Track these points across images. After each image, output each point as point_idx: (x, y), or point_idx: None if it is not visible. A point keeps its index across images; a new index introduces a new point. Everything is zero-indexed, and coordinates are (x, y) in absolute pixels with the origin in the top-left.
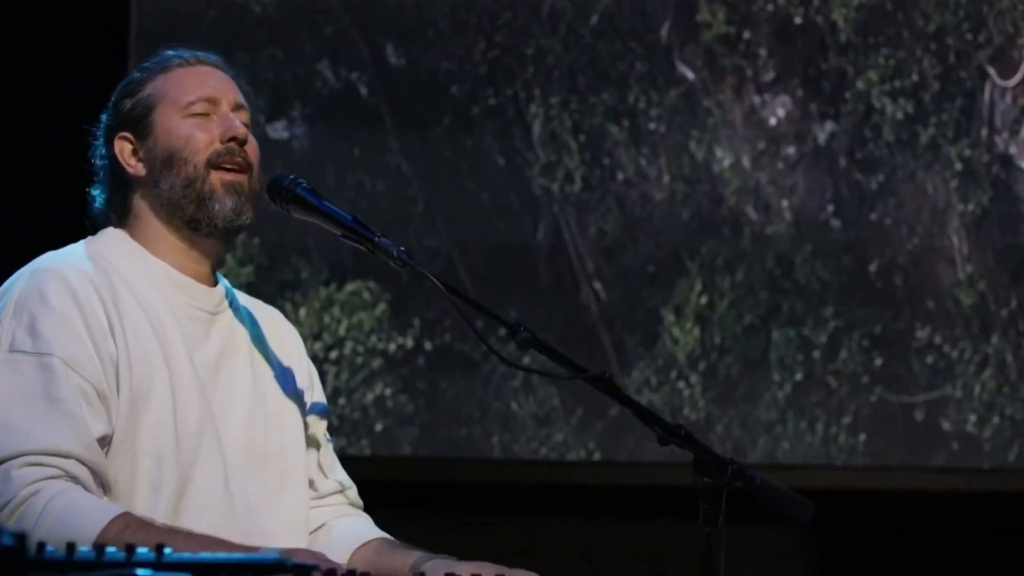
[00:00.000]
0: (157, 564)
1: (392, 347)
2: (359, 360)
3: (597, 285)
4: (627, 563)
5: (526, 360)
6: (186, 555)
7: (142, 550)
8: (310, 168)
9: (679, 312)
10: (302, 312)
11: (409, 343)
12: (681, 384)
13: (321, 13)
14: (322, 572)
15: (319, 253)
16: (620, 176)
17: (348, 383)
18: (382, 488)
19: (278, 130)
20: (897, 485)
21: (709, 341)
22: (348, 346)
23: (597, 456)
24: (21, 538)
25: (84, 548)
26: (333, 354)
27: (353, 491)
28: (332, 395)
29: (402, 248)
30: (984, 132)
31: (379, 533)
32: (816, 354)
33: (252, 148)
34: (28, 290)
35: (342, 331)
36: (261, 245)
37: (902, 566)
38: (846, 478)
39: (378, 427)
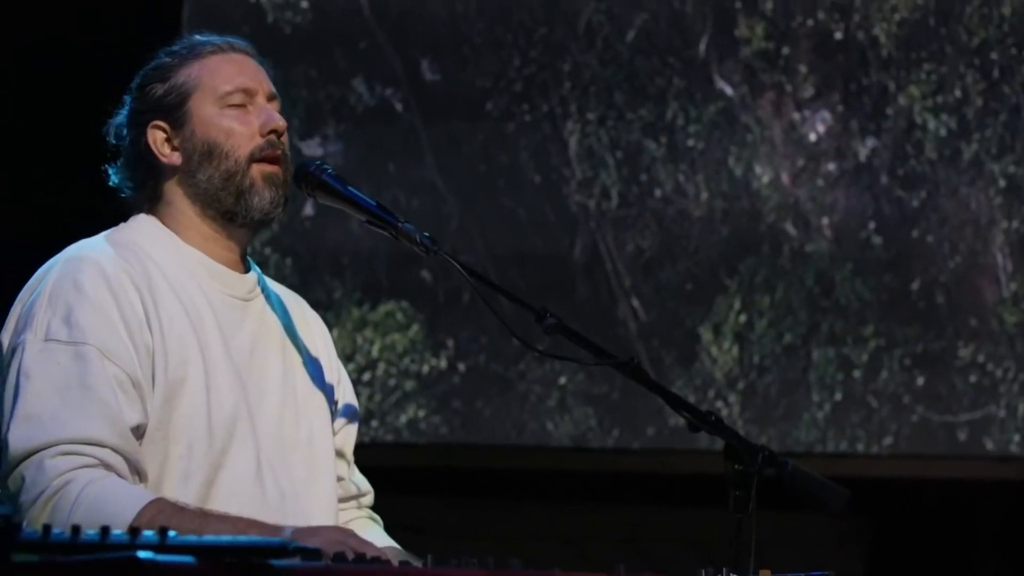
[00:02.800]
0: (160, 546)
1: (425, 368)
2: (392, 382)
3: (635, 302)
4: (674, 549)
5: (557, 371)
6: (191, 538)
7: (148, 533)
8: None
9: (717, 330)
10: (335, 333)
11: (443, 364)
12: (719, 403)
13: (355, 29)
14: (330, 556)
15: (352, 273)
16: (658, 193)
17: (381, 405)
18: (425, 474)
19: (312, 147)
20: (949, 473)
21: (748, 360)
22: (381, 368)
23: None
24: (7, 519)
25: (90, 531)
26: (366, 376)
27: (368, 497)
28: (365, 417)
29: (426, 234)
30: None
31: (388, 542)
32: (856, 373)
33: (286, 138)
34: (63, 279)
35: (375, 352)
36: (293, 265)
37: (955, 553)
38: (895, 466)
39: None
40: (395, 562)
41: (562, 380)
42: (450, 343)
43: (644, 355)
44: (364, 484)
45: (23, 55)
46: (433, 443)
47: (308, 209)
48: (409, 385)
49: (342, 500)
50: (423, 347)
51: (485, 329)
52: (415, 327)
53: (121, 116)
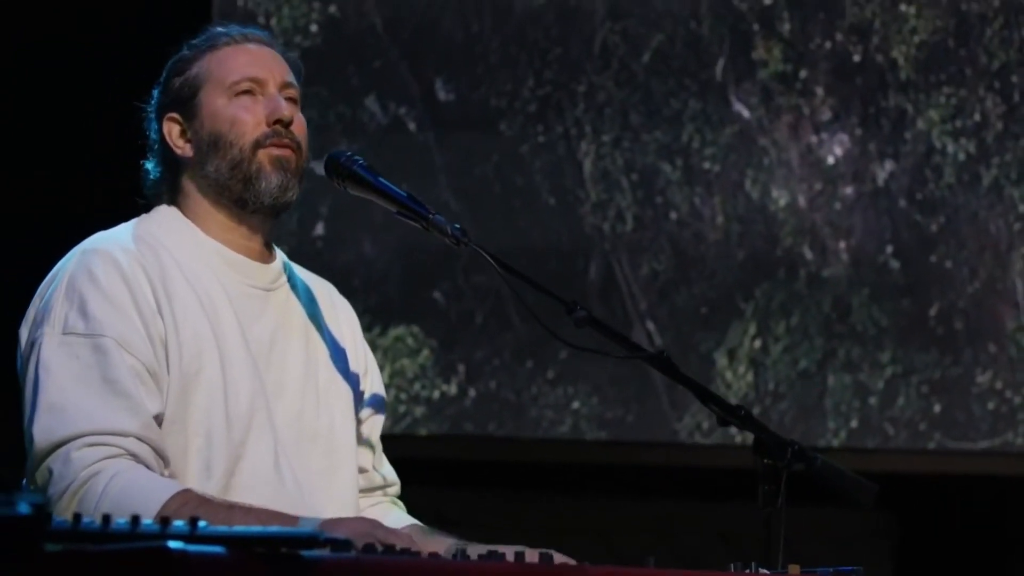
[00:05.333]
0: (190, 537)
1: (436, 394)
2: (402, 408)
3: (650, 326)
4: (704, 543)
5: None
6: (221, 528)
7: (178, 523)
8: (357, 204)
9: (732, 355)
10: None
11: (453, 390)
12: (733, 429)
13: (369, 47)
14: (359, 548)
15: (363, 296)
16: (673, 216)
17: (391, 431)
18: (454, 467)
19: None
20: (980, 469)
21: (763, 386)
22: (391, 394)
23: None
24: (39, 507)
25: (120, 520)
26: None
27: (395, 488)
28: None
29: (456, 225)
30: None
31: (409, 520)
32: (873, 400)
33: (299, 126)
34: (78, 271)
35: (385, 378)
36: None
37: (985, 549)
38: (925, 462)
39: None
40: (420, 541)
41: (575, 405)
42: (461, 368)
43: (659, 379)
44: (391, 475)
45: (48, 67)
46: (464, 435)
47: (319, 229)
48: (419, 411)
49: (367, 491)
50: (433, 372)
51: (497, 352)
52: (425, 352)
53: (150, 111)
